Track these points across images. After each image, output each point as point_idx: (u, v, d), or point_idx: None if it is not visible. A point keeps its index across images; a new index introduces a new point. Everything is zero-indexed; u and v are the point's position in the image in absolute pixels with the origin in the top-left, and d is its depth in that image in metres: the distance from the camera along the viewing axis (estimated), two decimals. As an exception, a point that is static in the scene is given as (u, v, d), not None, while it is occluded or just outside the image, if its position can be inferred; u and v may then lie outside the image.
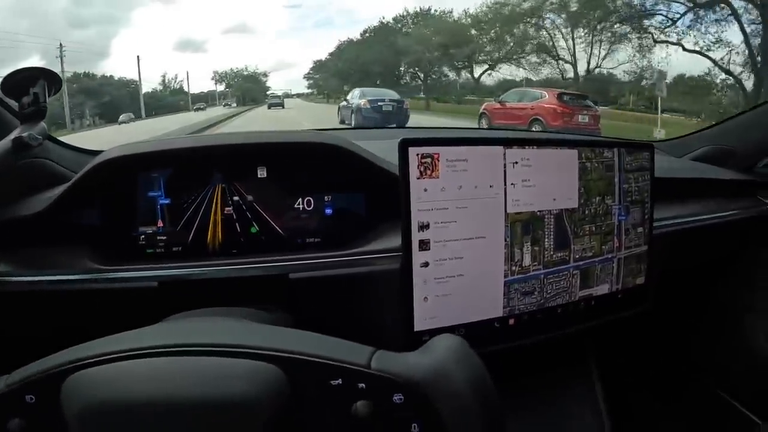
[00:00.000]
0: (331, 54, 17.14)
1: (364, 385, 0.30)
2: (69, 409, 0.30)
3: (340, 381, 0.30)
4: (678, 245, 0.78)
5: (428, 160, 0.50)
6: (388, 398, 0.30)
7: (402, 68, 14.46)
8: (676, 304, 0.94)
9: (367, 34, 15.70)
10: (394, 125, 6.17)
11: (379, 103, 7.55)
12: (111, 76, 14.26)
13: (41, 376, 0.31)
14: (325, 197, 0.62)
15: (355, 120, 7.28)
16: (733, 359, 0.91)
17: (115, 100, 13.29)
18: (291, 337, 0.33)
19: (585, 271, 0.62)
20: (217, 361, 0.30)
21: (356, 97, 7.96)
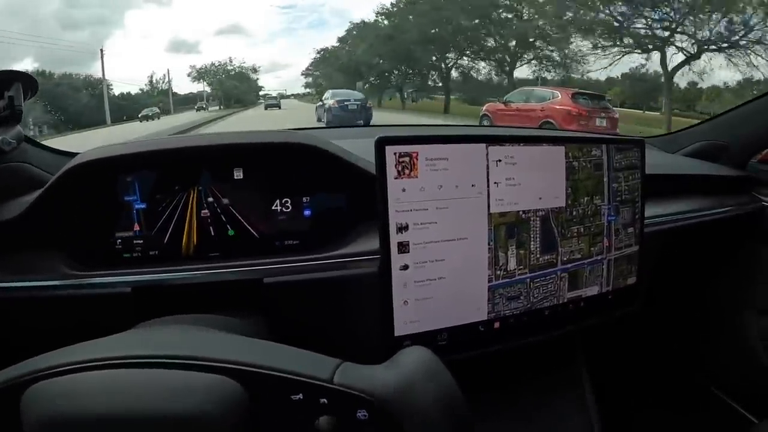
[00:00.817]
0: (340, 40, 14.86)
1: (326, 400, 0.28)
2: (28, 421, 0.29)
3: (301, 396, 0.29)
4: (671, 243, 0.77)
5: (406, 159, 0.48)
6: (352, 414, 0.28)
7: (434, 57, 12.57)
8: (670, 303, 0.93)
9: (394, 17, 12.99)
10: (361, 122, 7.77)
11: (345, 103, 8.67)
12: (70, 74, 12.21)
13: (1, 387, 0.30)
14: (303, 199, 0.60)
15: (326, 118, 8.42)
16: (728, 357, 0.90)
17: (75, 103, 11.25)
18: (251, 348, 0.32)
19: (573, 273, 0.60)
20: (174, 374, 0.29)
21: (329, 97, 9.21)
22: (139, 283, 0.56)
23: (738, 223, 0.86)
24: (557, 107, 6.47)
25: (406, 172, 0.48)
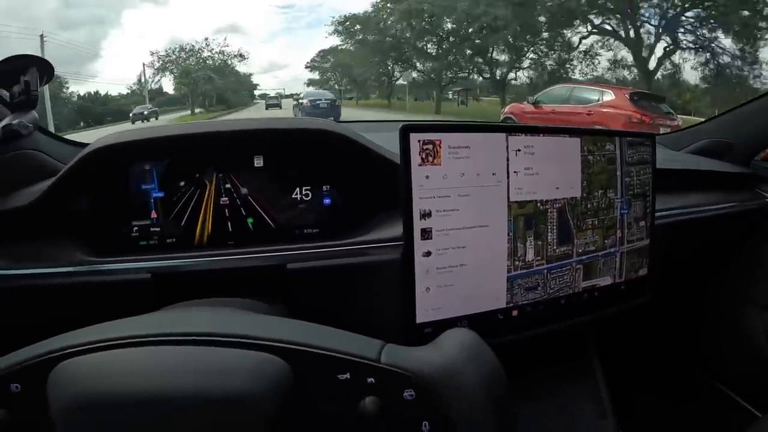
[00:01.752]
0: (365, 15, 11.97)
1: (373, 379, 0.28)
2: (56, 400, 0.28)
3: (348, 375, 0.28)
4: (678, 236, 0.78)
5: (430, 146, 0.49)
6: (399, 394, 0.28)
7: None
8: (677, 297, 0.94)
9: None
10: (332, 118, 7.88)
11: (317, 102, 9.75)
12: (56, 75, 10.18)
13: (28, 363, 0.29)
14: (324, 187, 0.60)
15: (300, 115, 9.35)
16: (732, 352, 0.91)
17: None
18: (296, 328, 0.31)
19: (588, 265, 0.61)
20: (217, 351, 0.28)
21: (304, 97, 10.57)
22: (159, 268, 0.55)
23: (741, 220, 0.87)
24: (611, 111, 5.21)
25: (430, 159, 0.49)
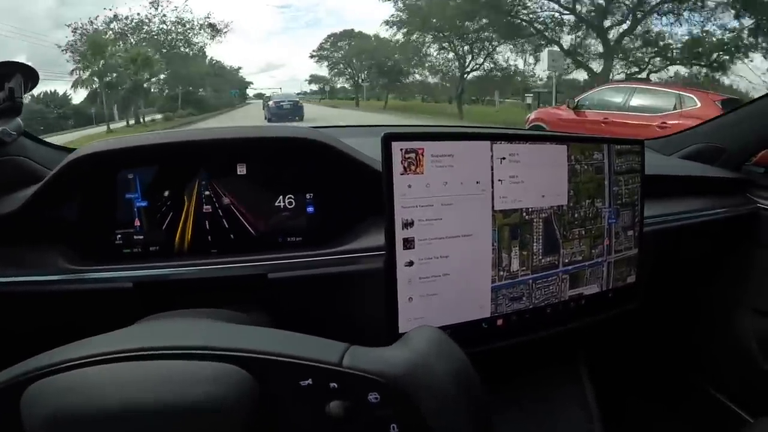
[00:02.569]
0: None
1: (336, 384, 0.28)
2: (29, 420, 0.28)
3: (310, 381, 0.28)
4: (669, 243, 0.78)
5: (412, 155, 0.48)
6: (363, 398, 0.28)
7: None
8: (667, 303, 0.94)
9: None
10: (297, 118, 9.40)
11: (281, 103, 10.28)
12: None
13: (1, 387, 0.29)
14: (307, 195, 0.60)
15: (267, 115, 10.01)
16: (723, 357, 0.91)
17: None
18: (257, 336, 0.31)
19: (574, 275, 0.60)
20: (178, 364, 0.29)
21: (270, 99, 11.02)
22: (140, 277, 0.55)
23: (733, 225, 0.87)
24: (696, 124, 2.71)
25: (412, 168, 0.49)
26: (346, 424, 0.28)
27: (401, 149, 0.48)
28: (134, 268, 0.56)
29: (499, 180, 0.53)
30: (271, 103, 10.47)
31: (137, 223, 0.59)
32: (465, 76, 10.80)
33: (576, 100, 5.20)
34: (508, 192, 0.54)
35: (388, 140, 0.47)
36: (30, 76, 0.61)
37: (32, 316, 0.55)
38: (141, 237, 0.59)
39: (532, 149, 0.56)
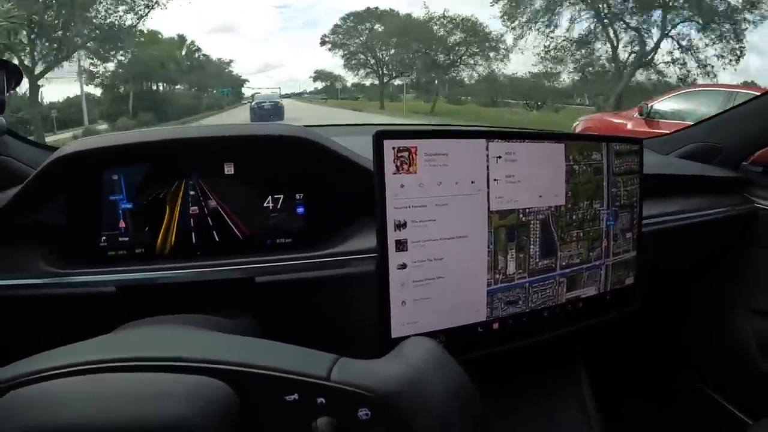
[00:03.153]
0: None
1: (323, 399, 0.26)
2: None
3: (296, 396, 0.26)
4: (667, 243, 0.76)
5: (405, 153, 0.47)
6: (353, 414, 0.26)
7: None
8: (664, 304, 0.93)
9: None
10: (276, 118, 9.26)
11: (262, 104, 10.45)
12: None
13: None
14: (297, 195, 0.58)
15: (250, 116, 10.15)
16: (722, 358, 0.90)
17: None
18: (238, 346, 0.29)
19: (572, 278, 0.59)
20: (152, 377, 0.27)
21: (254, 100, 11.03)
22: (124, 282, 0.53)
23: (731, 225, 0.86)
24: None
25: (405, 167, 0.47)
26: None
27: (393, 147, 0.46)
28: (118, 271, 0.54)
29: (495, 179, 0.52)
30: (253, 103, 10.73)
31: (122, 224, 0.57)
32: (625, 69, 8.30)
33: (650, 105, 4.04)
34: (504, 192, 0.52)
35: (380, 138, 0.46)
36: (13, 74, 0.59)
37: (10, 322, 0.53)
38: (126, 239, 0.57)
39: (528, 148, 0.54)
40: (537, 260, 0.55)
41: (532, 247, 0.55)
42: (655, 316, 0.94)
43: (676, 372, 0.98)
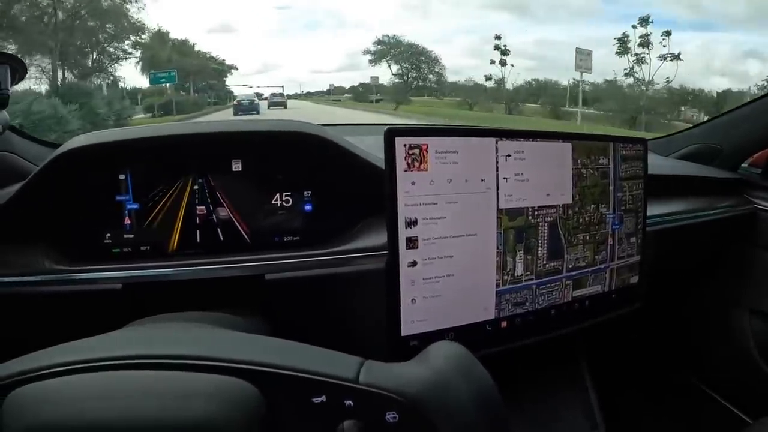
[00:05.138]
0: None
1: (351, 402, 0.26)
2: (10, 429, 0.26)
3: (323, 398, 0.26)
4: (667, 243, 0.77)
5: (416, 151, 0.47)
6: (380, 417, 0.26)
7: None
8: (666, 303, 0.93)
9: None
10: (255, 112, 9.72)
11: (242, 101, 10.78)
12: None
13: None
14: (305, 193, 0.58)
15: (233, 111, 10.40)
16: (722, 358, 0.91)
17: None
18: (266, 347, 0.29)
19: (578, 281, 0.59)
20: (177, 375, 0.26)
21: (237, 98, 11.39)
22: (130, 278, 0.53)
23: (730, 225, 0.86)
24: None
25: (416, 164, 0.47)
26: None
27: (405, 145, 0.46)
28: (123, 268, 0.54)
29: (504, 178, 0.52)
30: (236, 101, 11.23)
31: (127, 221, 0.56)
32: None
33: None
34: (513, 190, 0.53)
35: (391, 135, 0.46)
36: (17, 68, 0.58)
37: (14, 320, 0.52)
38: (131, 236, 0.56)
39: (536, 147, 0.55)
40: (545, 262, 0.56)
41: (540, 249, 0.55)
42: (656, 316, 0.95)
43: (676, 371, 0.99)
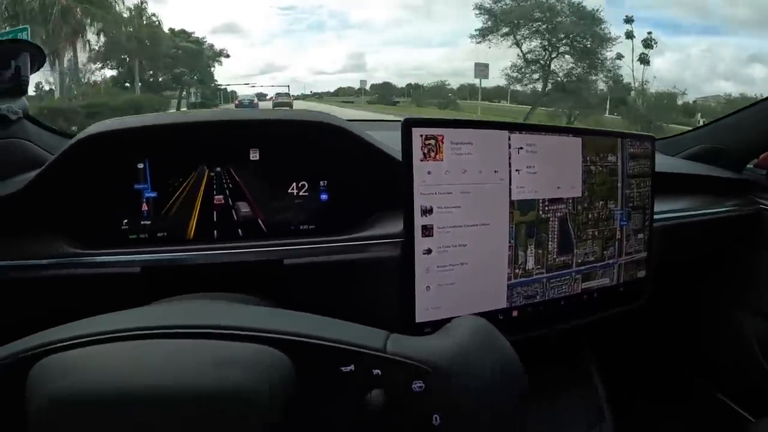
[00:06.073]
0: None
1: (379, 371, 0.27)
2: (36, 399, 0.25)
3: (352, 367, 0.27)
4: (672, 240, 0.78)
5: (432, 141, 0.48)
6: (407, 386, 0.26)
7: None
8: (670, 303, 0.94)
9: None
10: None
11: (243, 100, 10.83)
12: None
13: (6, 362, 0.27)
14: (321, 182, 0.59)
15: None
16: (726, 357, 0.91)
17: None
18: (296, 319, 0.29)
19: (586, 275, 0.60)
20: (212, 344, 0.26)
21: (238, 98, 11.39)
22: (149, 262, 0.53)
23: (735, 225, 0.87)
24: None
25: (432, 154, 0.48)
26: (387, 413, 0.26)
27: (421, 135, 0.47)
28: (142, 252, 0.54)
29: (517, 170, 0.53)
30: (237, 101, 11.24)
31: (144, 208, 0.57)
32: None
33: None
34: (524, 182, 0.54)
35: (408, 126, 0.47)
36: (37, 56, 0.60)
37: (36, 302, 0.53)
38: (148, 222, 0.57)
39: (547, 140, 0.56)
40: (555, 256, 0.57)
41: (550, 243, 0.56)
42: (661, 315, 0.95)
43: (679, 369, 1.00)
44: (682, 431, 0.93)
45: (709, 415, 0.93)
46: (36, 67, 0.59)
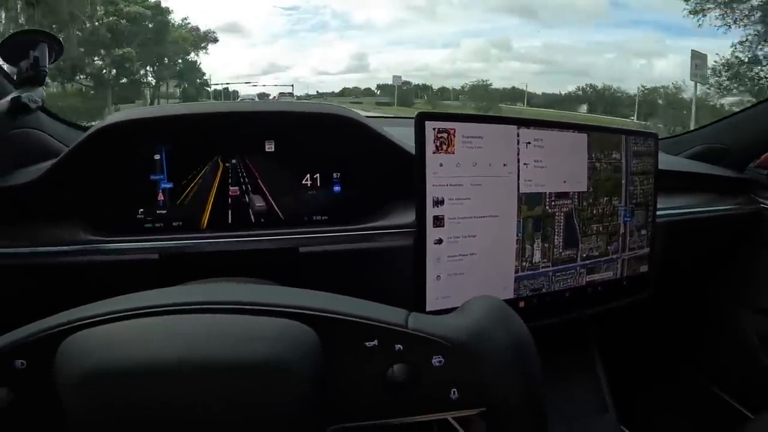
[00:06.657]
0: None
1: (401, 346, 0.28)
2: (66, 374, 0.26)
3: (376, 342, 0.27)
4: (674, 236, 0.79)
5: (444, 135, 0.49)
6: (428, 361, 0.28)
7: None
8: (672, 300, 0.95)
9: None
10: None
11: (244, 100, 10.23)
12: None
13: (35, 338, 0.27)
14: (334, 174, 0.60)
15: None
16: (725, 354, 0.93)
17: None
18: (321, 296, 0.31)
19: (591, 269, 0.62)
20: (243, 319, 0.27)
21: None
22: (167, 249, 0.55)
23: (736, 223, 0.89)
24: None
25: (444, 147, 0.50)
26: (408, 387, 0.27)
27: (434, 128, 0.49)
28: (159, 239, 0.56)
29: (525, 163, 0.55)
30: (238, 100, 11.16)
31: (160, 197, 0.59)
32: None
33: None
34: (532, 176, 0.55)
35: (421, 119, 0.48)
36: (54, 46, 0.60)
37: (55, 288, 0.54)
38: (164, 212, 0.59)
39: (555, 135, 0.57)
40: (560, 251, 0.58)
41: (556, 237, 0.58)
42: (663, 310, 0.97)
43: (679, 365, 1.01)
44: (682, 424, 0.95)
45: (707, 410, 0.95)
46: (54, 57, 0.60)
